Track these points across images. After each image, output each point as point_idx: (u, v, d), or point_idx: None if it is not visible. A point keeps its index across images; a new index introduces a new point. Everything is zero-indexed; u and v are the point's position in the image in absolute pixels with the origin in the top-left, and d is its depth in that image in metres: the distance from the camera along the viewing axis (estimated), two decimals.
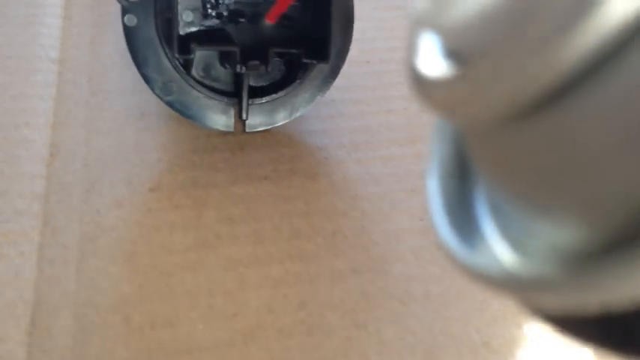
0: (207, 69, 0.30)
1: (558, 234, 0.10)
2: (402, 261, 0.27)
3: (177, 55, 0.27)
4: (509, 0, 0.09)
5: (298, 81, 0.30)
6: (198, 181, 0.29)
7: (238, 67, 0.28)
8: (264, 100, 0.30)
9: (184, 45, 0.27)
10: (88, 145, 0.30)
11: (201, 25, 0.27)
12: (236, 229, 0.27)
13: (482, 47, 0.09)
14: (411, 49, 0.11)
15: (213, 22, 0.27)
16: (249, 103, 0.30)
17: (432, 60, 0.11)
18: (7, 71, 0.33)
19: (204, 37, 0.27)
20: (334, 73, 0.30)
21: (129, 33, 0.29)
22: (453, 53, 0.10)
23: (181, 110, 0.30)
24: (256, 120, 0.30)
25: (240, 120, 0.30)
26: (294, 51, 0.28)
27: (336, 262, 0.27)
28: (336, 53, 0.29)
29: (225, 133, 0.31)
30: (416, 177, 0.30)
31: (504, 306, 0.25)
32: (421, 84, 0.11)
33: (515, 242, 0.11)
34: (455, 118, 0.11)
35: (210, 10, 0.27)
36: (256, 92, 0.30)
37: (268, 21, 0.27)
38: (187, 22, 0.27)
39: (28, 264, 0.25)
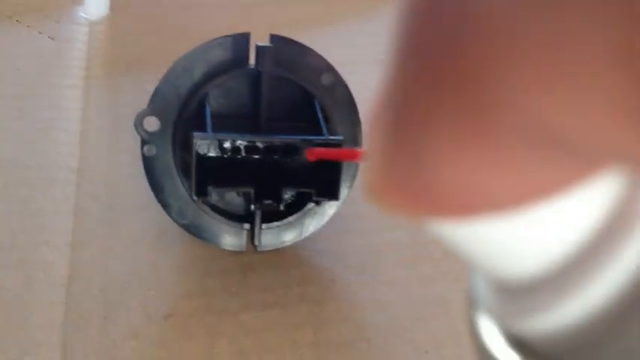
0: (221, 194, 0.31)
1: None
2: None
3: (194, 198, 0.28)
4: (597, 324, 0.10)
5: (309, 207, 0.31)
6: (212, 308, 0.30)
7: (252, 206, 0.29)
8: (276, 224, 0.31)
9: (202, 188, 0.28)
10: (106, 267, 0.31)
11: (218, 159, 0.28)
12: None
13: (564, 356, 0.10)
14: (476, 326, 0.12)
15: (229, 155, 0.28)
16: (261, 228, 0.31)
17: (502, 346, 0.11)
18: (27, 184, 0.35)
19: (221, 173, 0.28)
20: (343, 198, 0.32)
21: (147, 163, 0.30)
22: (531, 353, 0.11)
23: (196, 233, 0.31)
24: (267, 240, 0.32)
25: (252, 243, 0.31)
26: (305, 190, 0.29)
27: None
28: (345, 183, 0.31)
29: (237, 252, 0.32)
30: (421, 304, 0.32)
31: None
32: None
33: None
34: None
35: (226, 145, 0.28)
36: (268, 215, 0.31)
37: (307, 157, 0.28)
38: (203, 154, 0.28)
39: None
